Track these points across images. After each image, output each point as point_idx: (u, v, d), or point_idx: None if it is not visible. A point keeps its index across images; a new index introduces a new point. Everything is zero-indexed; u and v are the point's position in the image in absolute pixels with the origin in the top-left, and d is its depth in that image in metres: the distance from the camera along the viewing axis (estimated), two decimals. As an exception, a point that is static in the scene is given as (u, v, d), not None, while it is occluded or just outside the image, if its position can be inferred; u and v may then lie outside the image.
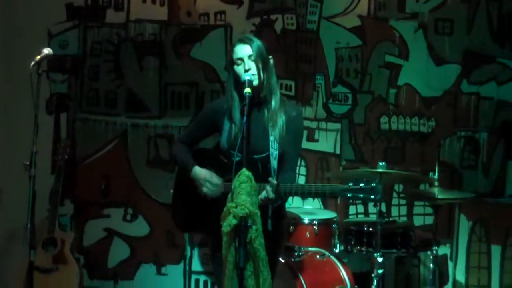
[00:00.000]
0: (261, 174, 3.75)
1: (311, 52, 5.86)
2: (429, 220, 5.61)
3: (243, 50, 3.90)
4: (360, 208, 5.80)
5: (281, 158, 3.92)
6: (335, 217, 5.28)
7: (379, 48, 5.79)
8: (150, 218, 6.03)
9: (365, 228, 5.05)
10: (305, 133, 5.68)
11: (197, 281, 5.95)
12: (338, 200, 5.72)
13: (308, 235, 5.15)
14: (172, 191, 4.29)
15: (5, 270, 5.86)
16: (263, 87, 3.91)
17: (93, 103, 6.10)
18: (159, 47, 6.02)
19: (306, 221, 5.16)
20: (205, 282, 5.95)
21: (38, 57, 4.04)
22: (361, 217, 5.73)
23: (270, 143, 3.87)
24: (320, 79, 5.85)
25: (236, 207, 3.48)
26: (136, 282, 6.04)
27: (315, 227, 5.13)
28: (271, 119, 3.90)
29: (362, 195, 3.60)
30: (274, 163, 3.87)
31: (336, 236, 5.19)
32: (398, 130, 5.77)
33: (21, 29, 6.02)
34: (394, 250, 5.02)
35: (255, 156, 3.84)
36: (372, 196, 3.59)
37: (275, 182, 3.74)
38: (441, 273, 5.56)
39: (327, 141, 5.84)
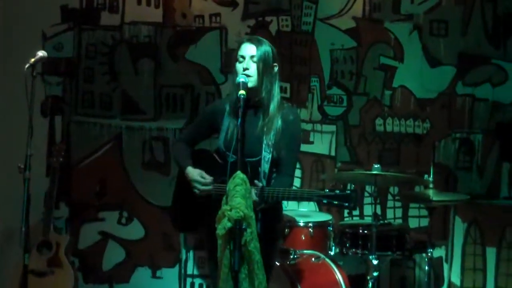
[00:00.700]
0: (250, 177, 3.74)
1: (306, 54, 5.86)
2: (424, 222, 5.61)
3: (248, 49, 3.93)
4: (355, 211, 5.80)
5: (277, 162, 3.92)
6: (330, 220, 5.27)
7: (374, 50, 5.79)
8: (145, 221, 6.02)
9: (360, 231, 5.05)
10: (300, 135, 5.69)
11: (192, 284, 5.94)
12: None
13: (303, 238, 5.14)
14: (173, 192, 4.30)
15: (1, 270, 5.84)
16: (260, 91, 3.91)
17: (88, 105, 6.08)
18: (154, 49, 6.01)
19: (301, 224, 5.15)
20: (200, 285, 5.94)
21: (33, 60, 4.03)
22: (356, 220, 5.72)
23: (263, 147, 3.88)
24: (315, 81, 5.85)
25: (230, 210, 3.48)
26: (132, 285, 6.03)
27: (310, 229, 5.12)
28: (266, 125, 3.90)
29: (336, 202, 3.69)
30: (265, 166, 3.88)
31: (331, 239, 5.18)
32: (393, 132, 5.78)
33: (16, 31, 6.01)
34: (389, 253, 5.02)
35: (246, 159, 3.84)
36: (346, 204, 3.69)
37: (260, 184, 3.74)
38: (436, 275, 5.55)
39: (322, 143, 5.84)
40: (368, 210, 5.68)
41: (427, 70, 5.73)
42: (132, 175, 6.03)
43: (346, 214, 5.77)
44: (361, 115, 5.81)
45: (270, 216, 3.92)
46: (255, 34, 5.76)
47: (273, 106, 3.93)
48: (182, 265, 5.93)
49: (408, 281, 5.75)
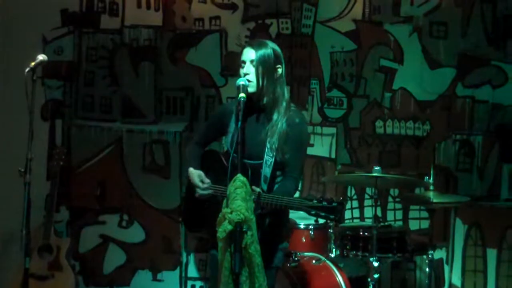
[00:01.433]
0: (250, 180, 3.74)
1: (306, 56, 5.87)
2: (425, 224, 5.61)
3: (248, 54, 3.93)
4: (356, 213, 5.80)
5: (282, 165, 3.92)
6: (330, 222, 5.27)
7: (374, 52, 5.80)
8: (145, 224, 6.02)
9: (361, 233, 5.05)
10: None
11: (193, 286, 5.94)
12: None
13: (304, 240, 5.15)
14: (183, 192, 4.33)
15: (1, 273, 5.83)
16: (262, 94, 3.91)
17: (88, 109, 6.09)
18: (154, 52, 6.02)
19: (302, 226, 5.16)
20: (201, 288, 5.96)
21: (33, 64, 4.04)
22: (356, 222, 5.72)
23: (266, 151, 3.88)
24: (315, 83, 5.85)
25: (231, 212, 3.47)
26: (132, 288, 6.04)
27: (311, 232, 5.13)
28: (270, 129, 3.90)
29: (323, 214, 3.71)
30: (267, 170, 3.88)
31: (332, 241, 5.18)
32: (393, 134, 5.78)
33: (16, 35, 6.02)
34: (390, 255, 5.01)
35: (248, 161, 3.84)
36: (332, 216, 3.72)
37: (258, 190, 3.75)
38: (437, 277, 5.56)
39: (322, 146, 5.84)
40: (368, 212, 5.69)
41: (427, 72, 5.74)
42: (133, 178, 6.03)
43: (347, 216, 5.78)
44: (361, 117, 5.81)
45: (273, 220, 3.92)
46: (255, 37, 5.79)
47: (277, 109, 3.92)
48: (183, 268, 5.93)
49: (408, 283, 5.74)
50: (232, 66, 5.68)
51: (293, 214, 5.34)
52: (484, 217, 5.67)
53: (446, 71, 5.72)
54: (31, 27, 6.02)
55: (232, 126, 4.02)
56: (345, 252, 5.09)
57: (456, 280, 5.70)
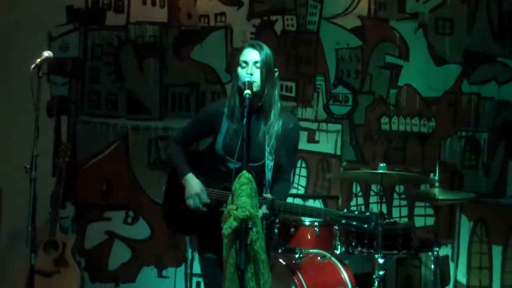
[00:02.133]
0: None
1: (312, 53, 5.86)
2: (430, 221, 5.61)
3: (251, 55, 3.89)
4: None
5: (278, 167, 3.92)
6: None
7: (380, 49, 5.79)
8: (151, 220, 6.02)
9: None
10: (305, 134, 5.71)
11: (198, 283, 5.93)
12: (339, 201, 5.72)
13: (309, 237, 5.13)
14: (163, 188, 4.24)
15: (7, 269, 5.86)
16: (262, 96, 3.90)
17: (94, 105, 6.10)
18: (160, 49, 6.02)
19: (307, 223, 5.15)
20: (207, 285, 5.94)
21: (39, 60, 4.04)
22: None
23: (266, 154, 3.87)
24: (321, 80, 5.85)
25: (236, 209, 3.47)
26: (138, 285, 6.04)
27: (316, 228, 5.12)
28: (268, 132, 3.89)
29: (355, 223, 3.69)
30: (269, 174, 3.87)
31: (337, 238, 5.16)
32: (399, 130, 5.77)
33: (22, 32, 6.03)
34: (395, 251, 5.00)
35: (250, 164, 3.82)
36: (366, 226, 3.68)
37: (270, 197, 3.74)
38: (442, 274, 5.54)
39: (327, 142, 5.84)
40: (373, 209, 5.68)
41: (433, 68, 5.73)
42: (138, 174, 6.04)
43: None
44: (367, 114, 5.81)
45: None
46: (261, 33, 5.79)
47: (273, 112, 3.92)
48: (188, 264, 5.93)
49: (414, 280, 5.74)
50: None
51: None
52: (489, 214, 5.66)
53: (451, 67, 5.71)
54: (37, 23, 6.04)
55: (223, 128, 3.95)
56: (350, 249, 5.08)
57: (462, 277, 5.69)
